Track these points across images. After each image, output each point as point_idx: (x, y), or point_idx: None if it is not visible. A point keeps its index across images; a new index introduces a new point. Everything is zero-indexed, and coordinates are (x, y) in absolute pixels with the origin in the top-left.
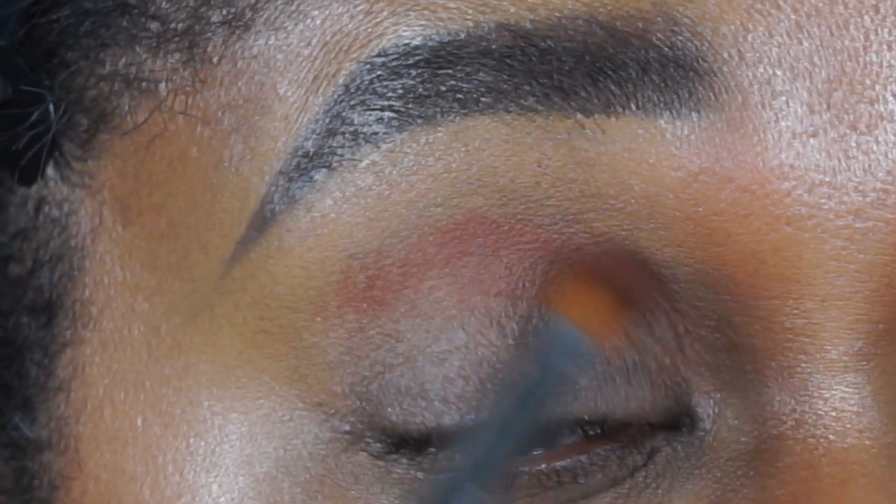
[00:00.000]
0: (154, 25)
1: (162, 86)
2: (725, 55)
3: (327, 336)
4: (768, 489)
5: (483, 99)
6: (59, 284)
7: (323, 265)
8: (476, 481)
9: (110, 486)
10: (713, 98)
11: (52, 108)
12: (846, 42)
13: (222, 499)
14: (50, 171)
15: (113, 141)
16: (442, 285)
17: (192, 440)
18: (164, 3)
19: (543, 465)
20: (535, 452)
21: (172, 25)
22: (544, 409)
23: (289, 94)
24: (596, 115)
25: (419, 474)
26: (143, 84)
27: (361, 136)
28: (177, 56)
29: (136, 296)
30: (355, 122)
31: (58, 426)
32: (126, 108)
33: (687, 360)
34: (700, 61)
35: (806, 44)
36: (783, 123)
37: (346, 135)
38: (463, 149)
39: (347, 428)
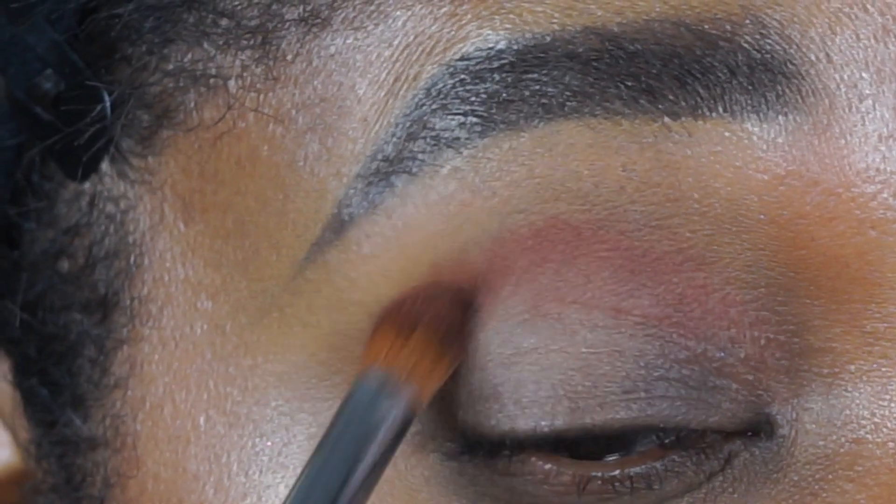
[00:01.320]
0: (224, 21)
1: (232, 82)
2: (813, 58)
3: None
4: (848, 493)
5: (568, 103)
6: (116, 281)
7: (406, 274)
8: None
9: (171, 484)
10: (800, 101)
11: (108, 103)
12: None
13: None
14: (105, 166)
15: (176, 137)
16: (518, 291)
17: (257, 440)
18: (234, 0)
19: (617, 472)
20: (609, 458)
21: (243, 22)
22: (366, 457)
23: (368, 95)
24: (683, 119)
25: (493, 476)
26: (212, 80)
27: (443, 141)
28: (248, 53)
29: (199, 294)
30: (437, 126)
31: (113, 423)
32: (192, 104)
33: (768, 370)
34: (788, 64)
35: (892, 47)
36: (869, 127)
37: (428, 139)
38: (546, 154)
39: (419, 429)
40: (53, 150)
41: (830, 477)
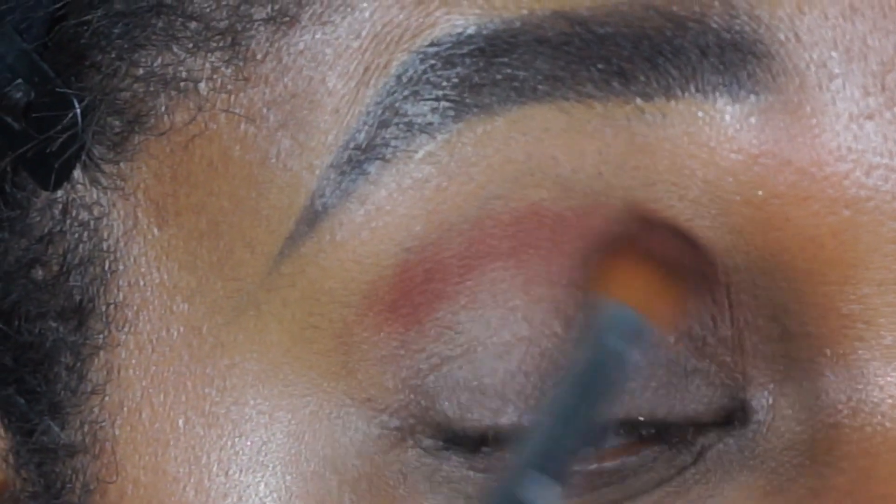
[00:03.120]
0: (193, 25)
1: (202, 85)
2: (782, 38)
3: (381, 330)
4: (825, 478)
5: (540, 87)
6: (91, 288)
7: (378, 258)
8: (544, 471)
9: (151, 488)
10: (771, 80)
11: (79, 111)
12: None
13: (269, 498)
14: (77, 174)
15: (148, 142)
16: (506, 276)
17: (237, 440)
18: (202, 3)
19: (594, 466)
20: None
21: (212, 24)
22: (609, 394)
23: (338, 87)
24: (656, 99)
25: (470, 473)
26: (182, 84)
27: (416, 126)
28: (218, 54)
29: (175, 297)
30: (409, 112)
31: (91, 430)
32: (163, 108)
33: (745, 354)
34: (758, 44)
35: (860, 26)
36: (840, 105)
37: (400, 125)
38: (522, 139)
39: (397, 424)
40: (25, 159)
41: (808, 462)
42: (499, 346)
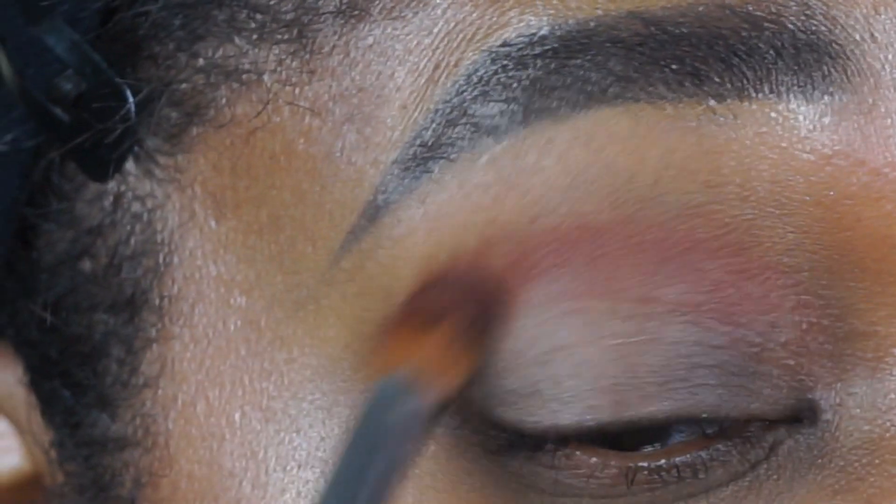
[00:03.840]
0: (258, 16)
1: (267, 77)
2: (857, 38)
3: None
4: (894, 477)
5: (611, 89)
6: (144, 280)
7: (428, 260)
8: None
9: (206, 482)
10: (846, 81)
11: (132, 103)
12: None
13: None
14: (130, 166)
15: (206, 134)
16: (541, 289)
17: (294, 435)
18: None
19: (662, 461)
20: (648, 449)
21: (278, 16)
22: (382, 457)
23: (407, 83)
24: (729, 100)
25: (537, 468)
26: (244, 76)
27: (483, 128)
28: (283, 46)
29: (233, 290)
30: (477, 113)
31: (144, 423)
32: (223, 100)
33: (811, 355)
34: (833, 44)
35: None
36: None
37: (467, 126)
38: (583, 147)
39: (458, 427)
40: (75, 151)
41: (877, 461)
42: (541, 354)
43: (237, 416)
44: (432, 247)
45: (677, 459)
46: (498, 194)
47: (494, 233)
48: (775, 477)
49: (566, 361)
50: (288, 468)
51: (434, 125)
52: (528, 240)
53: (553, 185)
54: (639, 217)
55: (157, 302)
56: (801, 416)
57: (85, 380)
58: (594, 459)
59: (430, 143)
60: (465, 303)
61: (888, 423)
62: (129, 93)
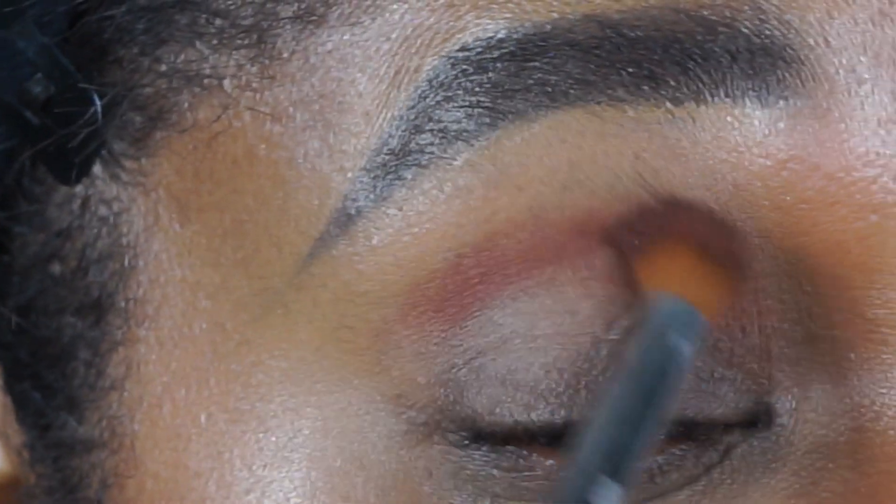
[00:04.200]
0: (218, 21)
1: (227, 82)
2: (812, 42)
3: (423, 328)
4: (849, 482)
5: (571, 91)
6: (110, 283)
7: (423, 262)
8: (610, 474)
9: (171, 482)
10: (800, 85)
11: (99, 106)
12: None
13: (293, 493)
14: (97, 169)
15: (170, 138)
16: (542, 280)
17: (261, 435)
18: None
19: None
20: None
21: (238, 21)
22: (671, 392)
23: (368, 89)
24: (686, 104)
25: (494, 471)
26: (206, 80)
27: (451, 132)
28: (243, 52)
29: (197, 293)
30: (443, 119)
31: (110, 424)
32: (186, 104)
33: (772, 359)
34: (787, 49)
35: (889, 31)
36: (869, 111)
37: (435, 132)
38: (561, 146)
39: (423, 419)
40: (44, 154)
41: (831, 466)
42: (537, 340)
43: (203, 417)
44: (422, 248)
45: None
46: (486, 195)
47: (495, 229)
48: (729, 481)
49: (560, 351)
50: (254, 468)
51: (400, 132)
52: (531, 230)
53: (544, 182)
54: (633, 213)
55: (122, 305)
56: (758, 419)
57: (54, 382)
58: (551, 461)
59: (397, 151)
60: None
61: (843, 427)
62: (95, 97)
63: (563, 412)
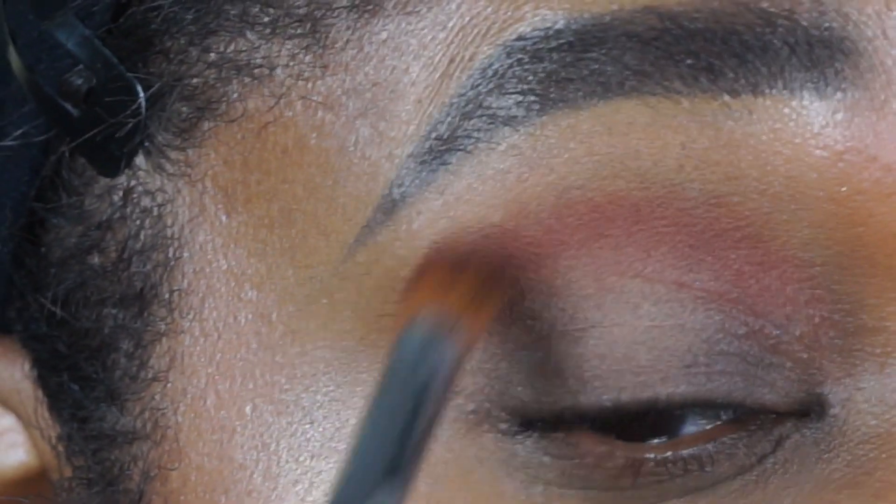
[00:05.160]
0: (270, 11)
1: (279, 71)
2: (870, 34)
3: None
4: None
5: (628, 82)
6: (153, 275)
7: (455, 246)
8: (387, 480)
9: (216, 474)
10: (858, 77)
11: (143, 98)
12: None
13: None
14: (140, 161)
15: (218, 129)
16: (578, 266)
17: (307, 427)
18: None
19: (669, 453)
20: (656, 441)
21: (291, 10)
22: (422, 397)
23: (421, 77)
24: (743, 96)
25: (545, 458)
26: (256, 70)
27: (500, 119)
28: (296, 41)
29: (243, 284)
30: (493, 105)
31: (153, 416)
32: (235, 95)
33: (822, 349)
34: (846, 41)
35: None
36: None
37: (483, 118)
38: (605, 133)
39: (472, 408)
40: (85, 146)
41: (884, 456)
42: (573, 332)
43: (248, 408)
44: (456, 233)
45: (684, 452)
46: (520, 175)
47: (521, 208)
48: (781, 471)
49: (597, 340)
50: (300, 459)
51: (449, 118)
52: (559, 213)
53: (578, 163)
54: (668, 201)
55: (166, 296)
56: (810, 410)
57: (94, 374)
58: (601, 448)
59: (445, 136)
60: (487, 254)
61: (895, 419)
62: (139, 88)
63: (609, 396)
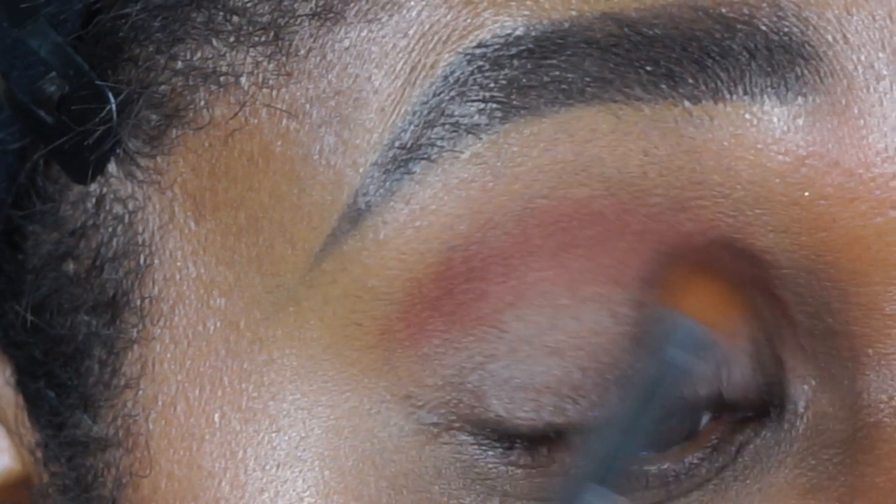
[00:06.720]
0: (234, 19)
1: (244, 79)
2: (830, 39)
3: (423, 328)
4: (866, 477)
5: (588, 89)
6: (125, 282)
7: (422, 256)
8: (603, 482)
9: (185, 482)
10: (819, 82)
11: (114, 105)
12: None
13: (307, 493)
14: (112, 168)
15: (186, 136)
16: (549, 276)
17: (274, 435)
18: None
19: (635, 468)
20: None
21: (255, 18)
22: (665, 406)
23: (384, 85)
24: (704, 102)
25: (504, 470)
26: (222, 78)
27: (463, 127)
28: (260, 49)
29: (212, 291)
30: (455, 113)
31: (125, 423)
32: (202, 102)
33: (784, 344)
34: (806, 46)
35: None
36: (887, 107)
37: (446, 126)
38: (568, 140)
39: (434, 420)
40: (58, 153)
41: (848, 461)
42: (551, 343)
43: (217, 416)
44: (422, 243)
45: (650, 468)
46: (485, 185)
47: (487, 220)
48: (741, 478)
49: (577, 351)
50: (267, 468)
51: (412, 127)
52: (525, 222)
53: (543, 172)
54: (633, 208)
55: (137, 303)
56: (770, 408)
57: (68, 381)
58: (560, 459)
59: (409, 145)
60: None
61: (860, 423)
62: (110, 95)
63: (570, 410)
